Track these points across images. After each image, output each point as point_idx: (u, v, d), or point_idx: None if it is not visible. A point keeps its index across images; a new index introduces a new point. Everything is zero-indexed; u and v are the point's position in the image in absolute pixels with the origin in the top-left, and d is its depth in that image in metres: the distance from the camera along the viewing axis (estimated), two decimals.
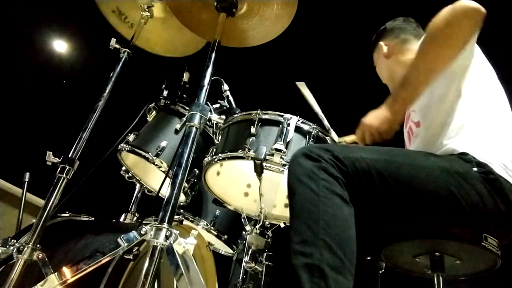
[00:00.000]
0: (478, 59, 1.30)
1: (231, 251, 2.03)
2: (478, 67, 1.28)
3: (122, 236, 1.08)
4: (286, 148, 1.37)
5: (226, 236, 1.96)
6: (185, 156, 1.17)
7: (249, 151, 1.37)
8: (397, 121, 1.19)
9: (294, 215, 0.98)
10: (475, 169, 1.10)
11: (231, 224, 2.01)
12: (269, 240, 1.46)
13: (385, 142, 1.22)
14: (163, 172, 1.68)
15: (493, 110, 1.24)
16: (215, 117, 1.53)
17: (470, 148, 1.16)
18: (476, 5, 1.14)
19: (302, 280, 0.86)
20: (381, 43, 1.60)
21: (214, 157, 1.47)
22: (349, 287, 0.88)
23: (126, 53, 1.66)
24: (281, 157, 1.35)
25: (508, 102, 1.30)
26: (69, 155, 1.34)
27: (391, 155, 1.10)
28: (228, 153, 1.43)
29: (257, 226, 1.46)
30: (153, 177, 1.92)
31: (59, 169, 1.31)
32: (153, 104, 1.85)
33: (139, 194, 1.97)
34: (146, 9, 1.81)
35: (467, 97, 1.24)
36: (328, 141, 1.49)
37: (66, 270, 1.05)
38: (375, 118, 1.20)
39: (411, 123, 1.45)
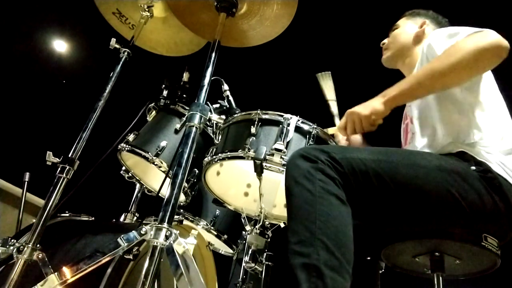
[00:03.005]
0: None
1: (231, 251, 2.03)
2: None
3: (122, 236, 1.08)
4: (286, 148, 1.37)
5: (226, 236, 1.96)
6: (185, 156, 1.17)
7: (249, 151, 1.37)
8: (383, 115, 1.20)
9: (292, 216, 0.98)
10: (473, 168, 1.10)
11: (231, 224, 2.01)
12: (269, 240, 1.46)
13: (384, 143, 1.22)
14: (163, 172, 1.68)
15: (490, 109, 1.24)
16: (215, 117, 1.53)
17: (468, 147, 1.16)
18: (505, 43, 1.13)
19: (300, 280, 0.86)
20: (428, 21, 1.57)
21: (214, 157, 1.47)
22: (346, 286, 0.88)
23: (126, 53, 1.66)
24: (281, 157, 1.35)
25: (505, 100, 1.31)
26: (69, 155, 1.34)
27: (388, 155, 1.10)
28: (228, 153, 1.43)
29: (257, 226, 1.46)
30: (153, 177, 1.92)
31: (59, 169, 1.31)
32: (153, 104, 1.85)
33: (139, 194, 1.97)
34: (146, 9, 1.81)
35: (464, 96, 1.24)
36: (328, 142, 1.49)
37: (66, 270, 1.06)
38: (364, 107, 1.22)
39: (408, 119, 1.45)
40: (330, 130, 1.40)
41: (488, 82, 1.30)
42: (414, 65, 1.48)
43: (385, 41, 1.64)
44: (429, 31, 1.55)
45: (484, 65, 1.17)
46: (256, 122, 1.43)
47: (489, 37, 1.13)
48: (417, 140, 1.35)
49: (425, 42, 1.37)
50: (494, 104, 1.26)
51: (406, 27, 1.60)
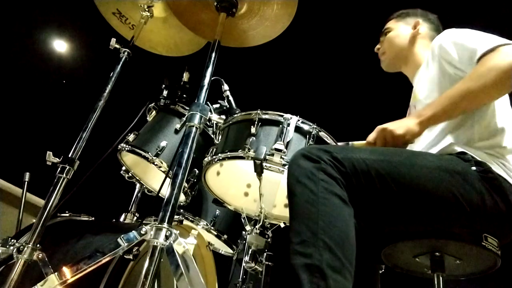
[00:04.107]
0: None
1: (231, 251, 2.03)
2: None
3: (122, 236, 1.08)
4: (286, 148, 1.37)
5: (226, 236, 1.96)
6: (185, 156, 1.17)
7: (249, 151, 1.37)
8: (418, 136, 1.18)
9: (294, 216, 0.98)
10: (473, 168, 1.10)
11: (231, 224, 2.01)
12: (269, 240, 1.46)
13: None
14: (163, 172, 1.68)
15: (491, 109, 1.24)
16: (215, 117, 1.53)
17: (469, 147, 1.16)
18: None
19: (302, 280, 0.86)
20: (420, 20, 1.57)
21: (214, 157, 1.47)
22: (348, 287, 0.88)
23: (126, 53, 1.66)
24: (281, 157, 1.35)
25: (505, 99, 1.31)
26: (69, 155, 1.34)
27: (390, 155, 1.10)
28: (228, 153, 1.43)
29: (257, 226, 1.46)
30: (153, 177, 1.92)
31: (59, 169, 1.31)
32: (153, 104, 1.85)
33: (139, 194, 1.97)
34: (146, 9, 1.81)
35: None
36: (328, 142, 1.49)
37: (66, 270, 1.06)
38: (399, 126, 1.17)
39: None
40: (356, 144, 1.36)
41: None
42: (419, 65, 1.49)
43: (379, 46, 1.64)
44: (424, 30, 1.56)
45: (509, 85, 1.15)
46: (256, 122, 1.43)
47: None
48: (418, 141, 1.35)
49: (434, 43, 1.36)
50: (495, 104, 1.26)
51: (400, 30, 1.60)
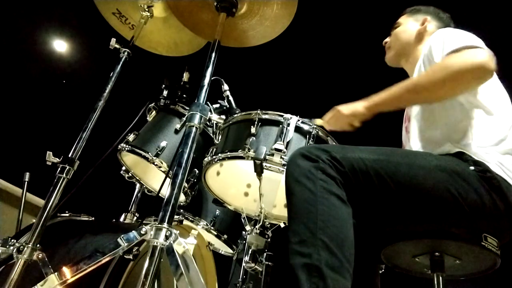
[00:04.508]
0: None
1: (231, 251, 2.03)
2: None
3: (122, 236, 1.08)
4: (286, 148, 1.37)
5: (226, 236, 1.96)
6: (185, 156, 1.17)
7: (249, 151, 1.37)
8: (362, 118, 1.27)
9: (292, 216, 0.98)
10: (472, 168, 1.10)
11: (231, 224, 2.01)
12: (269, 240, 1.46)
13: (386, 143, 1.22)
14: (163, 172, 1.68)
15: (489, 109, 1.24)
16: (215, 117, 1.53)
17: (466, 147, 1.16)
18: (490, 65, 1.12)
19: (301, 280, 0.86)
20: (429, 18, 1.56)
21: (214, 157, 1.47)
22: (347, 286, 0.88)
23: (126, 53, 1.66)
24: (281, 157, 1.35)
25: (505, 99, 1.31)
26: (69, 155, 1.34)
27: (389, 155, 1.10)
28: (228, 153, 1.43)
29: (257, 226, 1.46)
30: (153, 177, 1.92)
31: (59, 169, 1.31)
32: (153, 104, 1.85)
33: (139, 194, 1.97)
34: (146, 9, 1.81)
35: (464, 96, 1.24)
36: (328, 141, 1.49)
37: (66, 270, 1.06)
38: (347, 107, 1.29)
39: (407, 120, 1.45)
40: (317, 121, 1.45)
41: (489, 82, 1.29)
42: (416, 63, 1.48)
43: (387, 40, 1.64)
44: (432, 28, 1.54)
45: (465, 86, 1.18)
46: (256, 122, 1.43)
47: (475, 58, 1.13)
48: (416, 141, 1.35)
49: (428, 41, 1.37)
50: (493, 104, 1.26)
51: (408, 25, 1.59)
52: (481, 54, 1.13)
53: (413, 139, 1.38)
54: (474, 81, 1.16)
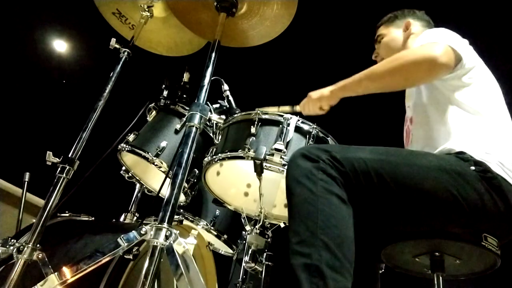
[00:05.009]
0: (473, 59, 1.29)
1: (231, 251, 2.03)
2: (473, 67, 1.27)
3: (122, 236, 1.08)
4: (286, 148, 1.37)
5: (226, 236, 1.96)
6: (185, 156, 1.17)
7: (249, 151, 1.37)
8: (328, 101, 1.35)
9: (293, 216, 0.98)
10: (472, 167, 1.10)
11: (231, 224, 2.01)
12: (269, 240, 1.46)
13: (386, 143, 1.22)
14: (163, 172, 1.68)
15: (489, 108, 1.24)
16: (215, 117, 1.53)
17: (467, 147, 1.16)
18: (441, 60, 1.14)
19: (301, 280, 0.86)
20: (410, 20, 1.58)
21: (214, 157, 1.47)
22: (348, 286, 0.88)
23: (126, 53, 1.66)
24: (281, 157, 1.35)
25: (504, 100, 1.31)
26: (69, 155, 1.34)
27: (389, 155, 1.10)
28: (228, 153, 1.43)
29: (257, 226, 1.46)
30: (153, 177, 1.92)
31: (59, 169, 1.31)
32: (153, 104, 1.85)
33: (139, 194, 1.97)
34: (146, 9, 1.81)
35: (464, 96, 1.24)
36: (328, 141, 1.49)
37: (66, 270, 1.05)
38: (316, 92, 1.38)
39: (408, 121, 1.45)
40: (297, 108, 1.49)
41: (487, 82, 1.30)
42: None
43: (376, 54, 1.66)
44: (416, 28, 1.56)
45: (416, 77, 1.21)
46: (256, 122, 1.43)
47: (427, 51, 1.16)
48: (416, 141, 1.35)
49: (416, 43, 1.37)
50: (493, 104, 1.26)
51: (393, 34, 1.61)
52: (435, 48, 1.16)
53: (414, 140, 1.38)
54: (422, 73, 1.19)
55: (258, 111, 1.46)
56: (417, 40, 1.35)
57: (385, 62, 1.24)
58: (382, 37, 1.62)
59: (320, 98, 1.36)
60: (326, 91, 1.35)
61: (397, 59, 1.20)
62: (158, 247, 1.02)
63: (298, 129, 1.44)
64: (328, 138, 1.50)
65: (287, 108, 1.51)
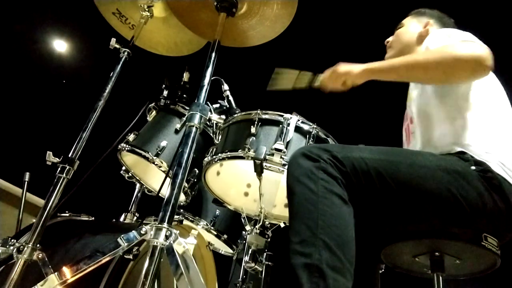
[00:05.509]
0: None
1: (231, 251, 2.03)
2: None
3: (122, 236, 1.08)
4: (286, 148, 1.37)
5: (226, 236, 1.96)
6: (185, 156, 1.17)
7: (249, 151, 1.37)
8: (356, 79, 1.27)
9: (293, 215, 0.98)
10: (473, 167, 1.10)
11: (231, 224, 2.01)
12: (269, 240, 1.46)
13: (386, 143, 1.22)
14: (163, 172, 1.68)
15: (491, 109, 1.24)
16: (215, 117, 1.53)
17: (468, 147, 1.16)
18: (487, 62, 1.11)
19: (302, 280, 0.86)
20: (432, 21, 1.56)
21: (214, 157, 1.47)
22: (348, 286, 0.88)
23: (126, 53, 1.66)
24: (281, 157, 1.35)
25: (505, 99, 1.31)
26: (69, 155, 1.34)
27: (390, 154, 1.10)
28: (228, 153, 1.43)
29: (257, 226, 1.46)
30: (153, 177, 1.92)
31: (59, 169, 1.31)
32: (153, 104, 1.85)
33: (139, 194, 1.97)
34: (146, 9, 1.81)
35: (465, 96, 1.24)
36: (328, 141, 1.49)
37: (66, 270, 1.05)
38: (345, 65, 1.30)
39: (409, 119, 1.45)
40: (316, 83, 1.41)
41: (490, 82, 1.29)
42: None
43: (390, 39, 1.64)
44: (433, 31, 1.54)
45: (458, 75, 1.17)
46: (256, 122, 1.43)
47: (475, 50, 1.13)
48: (417, 140, 1.35)
49: (424, 43, 1.37)
50: (495, 104, 1.26)
51: (410, 27, 1.59)
52: (481, 48, 1.13)
53: (414, 139, 1.38)
54: (468, 72, 1.15)
55: (276, 71, 1.42)
56: (431, 36, 1.33)
57: (428, 54, 1.21)
58: (401, 27, 1.61)
59: (348, 73, 1.27)
60: (357, 68, 1.27)
61: (442, 51, 1.16)
62: (158, 247, 1.02)
63: (298, 129, 1.44)
64: (328, 138, 1.50)
65: (308, 74, 1.43)
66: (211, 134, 1.68)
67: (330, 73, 1.33)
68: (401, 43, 1.57)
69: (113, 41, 1.66)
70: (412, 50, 1.54)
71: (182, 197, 1.76)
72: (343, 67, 1.30)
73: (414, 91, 1.42)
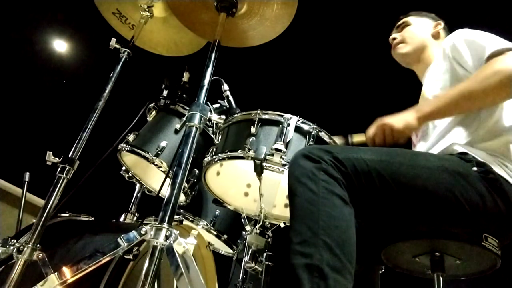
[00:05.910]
0: None
1: (231, 251, 2.03)
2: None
3: (122, 236, 1.08)
4: (286, 148, 1.37)
5: (226, 236, 1.96)
6: (185, 156, 1.17)
7: (249, 151, 1.37)
8: (415, 130, 1.21)
9: (294, 216, 0.98)
10: (474, 168, 1.10)
11: (231, 224, 2.01)
12: (269, 240, 1.46)
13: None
14: (163, 172, 1.68)
15: (493, 110, 1.24)
16: (215, 117, 1.52)
17: (470, 148, 1.16)
18: None
19: (302, 280, 0.86)
20: (443, 24, 1.58)
21: (214, 157, 1.47)
22: (348, 287, 0.88)
23: (126, 53, 1.66)
24: (281, 157, 1.35)
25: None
26: (69, 155, 1.34)
27: (390, 155, 1.10)
28: (228, 153, 1.43)
29: (257, 226, 1.46)
30: (153, 177, 1.92)
31: (59, 169, 1.31)
32: (153, 104, 1.85)
33: (139, 194, 1.97)
34: (146, 9, 1.81)
35: None
36: (328, 142, 1.49)
37: (66, 270, 1.06)
38: (398, 120, 1.17)
39: None
40: (356, 137, 1.34)
41: None
42: (429, 64, 1.48)
43: (396, 35, 1.63)
44: (442, 33, 1.57)
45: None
46: (256, 122, 1.43)
47: None
48: (420, 141, 1.35)
49: (446, 42, 1.36)
50: (497, 105, 1.26)
51: (421, 25, 1.60)
52: None
53: (418, 140, 1.38)
54: None
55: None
56: (456, 38, 1.30)
57: (481, 79, 1.12)
58: (407, 24, 1.61)
59: (407, 128, 1.16)
60: (412, 119, 1.15)
61: (496, 73, 1.10)
62: (158, 247, 1.02)
63: (298, 129, 1.44)
64: (328, 138, 1.50)
65: (340, 140, 1.33)
66: (211, 134, 1.68)
67: (380, 132, 1.19)
68: (417, 40, 1.57)
69: (113, 41, 1.66)
70: (427, 48, 1.55)
71: (182, 197, 1.76)
72: (397, 123, 1.17)
73: (428, 92, 1.40)
